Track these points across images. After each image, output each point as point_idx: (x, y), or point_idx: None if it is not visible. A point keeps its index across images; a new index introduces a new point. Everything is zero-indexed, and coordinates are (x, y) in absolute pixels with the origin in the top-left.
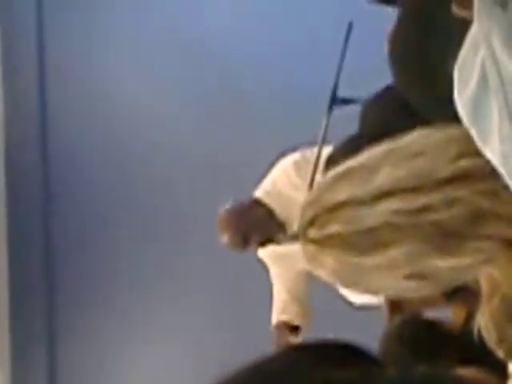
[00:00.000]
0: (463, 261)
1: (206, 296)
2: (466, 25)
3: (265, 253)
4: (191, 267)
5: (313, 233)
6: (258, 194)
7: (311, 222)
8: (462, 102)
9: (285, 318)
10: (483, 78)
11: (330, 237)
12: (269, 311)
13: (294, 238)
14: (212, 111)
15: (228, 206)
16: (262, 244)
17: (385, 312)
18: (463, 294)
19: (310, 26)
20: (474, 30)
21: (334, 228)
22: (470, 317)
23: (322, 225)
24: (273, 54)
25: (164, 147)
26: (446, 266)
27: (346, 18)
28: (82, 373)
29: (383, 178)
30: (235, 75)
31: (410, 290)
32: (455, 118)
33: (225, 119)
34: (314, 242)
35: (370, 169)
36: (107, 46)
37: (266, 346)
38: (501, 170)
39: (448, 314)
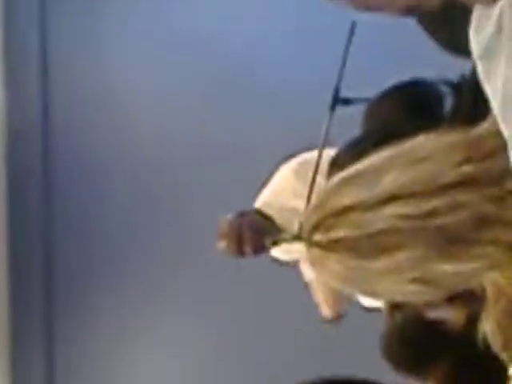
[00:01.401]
0: (468, 266)
1: (207, 303)
2: None
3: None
4: (195, 273)
5: (318, 237)
6: (258, 204)
7: (316, 226)
8: (475, 40)
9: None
10: (498, 27)
11: (336, 241)
12: (274, 322)
13: (297, 238)
14: (214, 111)
15: (229, 215)
16: (262, 250)
17: (384, 311)
18: (464, 296)
19: (313, 24)
20: None
21: (339, 232)
22: (469, 319)
23: (327, 229)
24: (275, 54)
25: (167, 145)
26: (451, 270)
27: (349, 17)
28: (79, 374)
29: (389, 183)
30: (238, 77)
31: (415, 294)
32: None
33: (226, 121)
34: (319, 245)
35: (376, 173)
36: (110, 44)
37: (271, 358)
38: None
39: (448, 315)
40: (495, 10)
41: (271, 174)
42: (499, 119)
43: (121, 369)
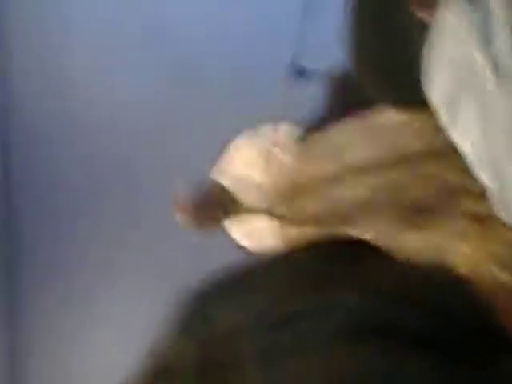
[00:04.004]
0: (435, 236)
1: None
2: (423, 24)
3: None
4: (145, 246)
5: (283, 209)
6: (213, 175)
7: (282, 199)
8: (432, 86)
9: None
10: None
11: (301, 212)
12: None
13: (256, 210)
14: (170, 87)
15: (184, 187)
16: (220, 221)
17: None
18: None
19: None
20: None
21: (304, 203)
22: None
23: (293, 201)
24: (230, 31)
25: (123, 127)
26: (415, 239)
27: None
28: (42, 347)
29: (354, 155)
30: (193, 51)
31: None
32: (413, 103)
33: (182, 94)
34: (284, 217)
35: (342, 146)
36: (67, 30)
37: None
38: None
39: None
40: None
41: (226, 145)
42: (475, 168)
43: (80, 343)
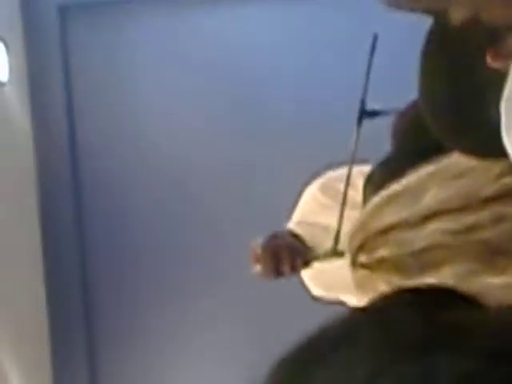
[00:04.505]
0: None
1: (244, 319)
2: (502, 76)
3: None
4: (224, 292)
5: (363, 258)
6: (290, 225)
7: (361, 247)
8: (510, 138)
9: None
10: None
11: (381, 261)
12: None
13: (332, 254)
14: (237, 130)
15: (260, 238)
16: (299, 269)
17: None
18: None
19: (336, 38)
20: None
21: (383, 252)
22: None
23: (371, 249)
24: (297, 70)
25: (192, 167)
26: (498, 284)
27: (371, 29)
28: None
29: (430, 200)
30: (259, 92)
31: None
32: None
33: (249, 144)
34: (365, 266)
35: (416, 191)
36: (133, 68)
37: None
38: None
39: None
40: None
41: (299, 194)
42: None
43: (161, 380)
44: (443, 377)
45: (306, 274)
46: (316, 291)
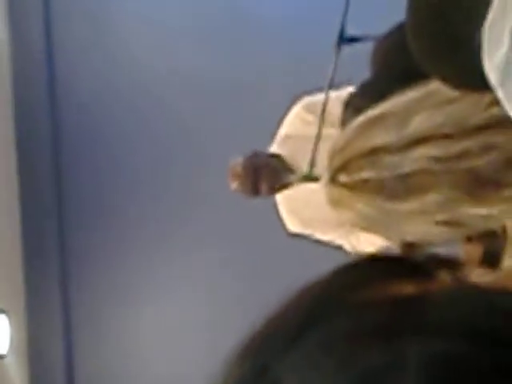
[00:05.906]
0: (496, 208)
1: (219, 244)
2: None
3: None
4: (205, 214)
5: (344, 178)
6: (272, 146)
7: (342, 167)
8: (491, 64)
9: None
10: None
11: (364, 181)
12: (284, 260)
13: (307, 179)
14: (224, 52)
15: (240, 156)
16: (276, 190)
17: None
18: (484, 234)
19: None
20: None
21: (367, 173)
22: (485, 256)
23: (354, 170)
24: None
25: (175, 83)
26: (478, 213)
27: None
28: (96, 319)
29: (418, 125)
30: (244, 12)
31: (441, 235)
32: (478, 87)
33: (234, 59)
34: (346, 186)
35: (404, 114)
36: None
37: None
38: None
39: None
40: (506, 27)
41: (282, 115)
42: None
43: (134, 317)
44: (412, 363)
45: (283, 209)
46: (293, 227)
